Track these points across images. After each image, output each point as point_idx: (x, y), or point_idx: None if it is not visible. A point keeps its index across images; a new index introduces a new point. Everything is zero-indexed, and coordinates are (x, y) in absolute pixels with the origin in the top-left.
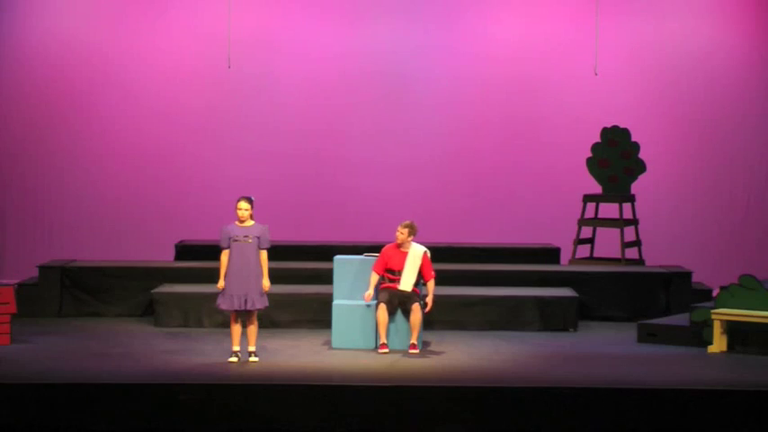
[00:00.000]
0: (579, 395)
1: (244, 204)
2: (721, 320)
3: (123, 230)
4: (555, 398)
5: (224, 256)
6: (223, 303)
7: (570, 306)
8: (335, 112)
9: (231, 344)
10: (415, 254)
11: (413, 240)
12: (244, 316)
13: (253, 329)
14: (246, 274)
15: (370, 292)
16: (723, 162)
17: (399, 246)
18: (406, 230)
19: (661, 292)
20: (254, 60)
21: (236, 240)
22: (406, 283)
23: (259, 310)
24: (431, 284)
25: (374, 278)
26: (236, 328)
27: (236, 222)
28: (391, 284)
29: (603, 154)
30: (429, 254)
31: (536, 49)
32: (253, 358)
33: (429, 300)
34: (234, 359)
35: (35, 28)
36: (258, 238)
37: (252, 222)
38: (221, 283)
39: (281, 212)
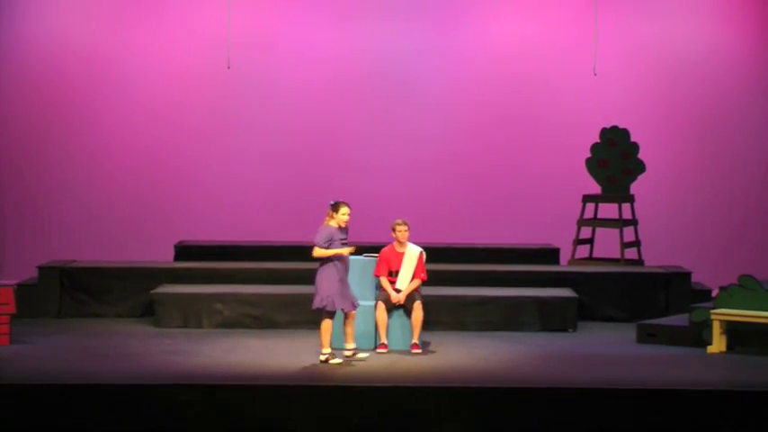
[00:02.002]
0: (578, 395)
1: (348, 210)
2: (721, 321)
3: (122, 231)
4: (554, 398)
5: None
6: (346, 306)
7: (569, 306)
8: (335, 112)
9: (322, 345)
10: (412, 254)
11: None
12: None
13: (353, 326)
14: (347, 276)
15: (397, 295)
16: (722, 162)
17: (399, 245)
18: (405, 227)
19: (660, 293)
20: (253, 61)
21: (345, 244)
22: (403, 282)
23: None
24: (416, 282)
25: (385, 281)
26: (330, 329)
27: (335, 225)
28: (391, 286)
29: (603, 154)
30: (425, 255)
31: (535, 49)
32: (358, 355)
33: (405, 291)
34: (338, 361)
35: (35, 29)
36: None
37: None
38: (348, 250)
39: (280, 213)
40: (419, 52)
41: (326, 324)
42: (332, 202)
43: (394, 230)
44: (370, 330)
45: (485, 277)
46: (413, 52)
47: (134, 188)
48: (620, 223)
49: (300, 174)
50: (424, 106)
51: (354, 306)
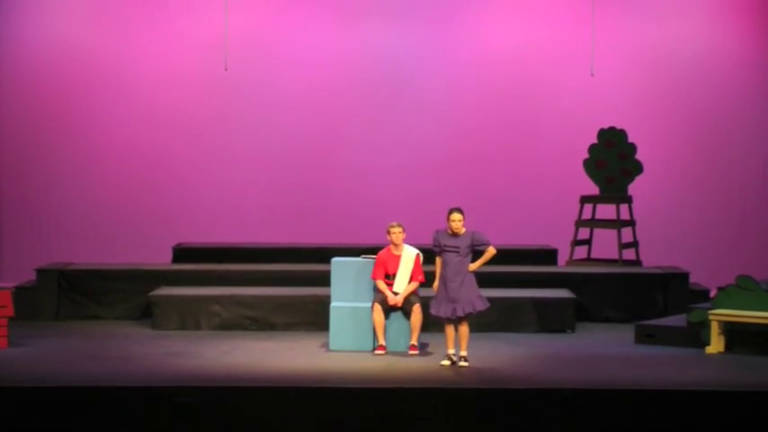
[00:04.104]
0: (577, 396)
1: (458, 216)
2: (719, 321)
3: (121, 233)
4: (553, 399)
5: (438, 260)
6: (443, 311)
7: (568, 307)
8: (332, 114)
9: (446, 347)
10: (409, 256)
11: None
12: (455, 321)
13: (464, 333)
14: (459, 283)
15: (394, 297)
16: (720, 163)
17: (395, 248)
18: (400, 229)
19: (658, 293)
20: (251, 63)
21: (447, 251)
22: (400, 285)
23: (470, 314)
24: (414, 284)
25: (381, 284)
26: (451, 331)
27: (449, 231)
28: (388, 288)
29: (600, 155)
30: (422, 257)
31: (533, 51)
32: (463, 363)
33: (403, 293)
34: (446, 362)
35: (32, 32)
36: (469, 247)
37: (464, 230)
38: (436, 285)
39: (278, 215)
40: (417, 56)
41: (445, 327)
42: None
43: (389, 233)
44: (367, 332)
45: (483, 278)
46: (410, 56)
47: (132, 190)
48: (617, 224)
49: (298, 176)
50: (422, 108)
51: (454, 313)
